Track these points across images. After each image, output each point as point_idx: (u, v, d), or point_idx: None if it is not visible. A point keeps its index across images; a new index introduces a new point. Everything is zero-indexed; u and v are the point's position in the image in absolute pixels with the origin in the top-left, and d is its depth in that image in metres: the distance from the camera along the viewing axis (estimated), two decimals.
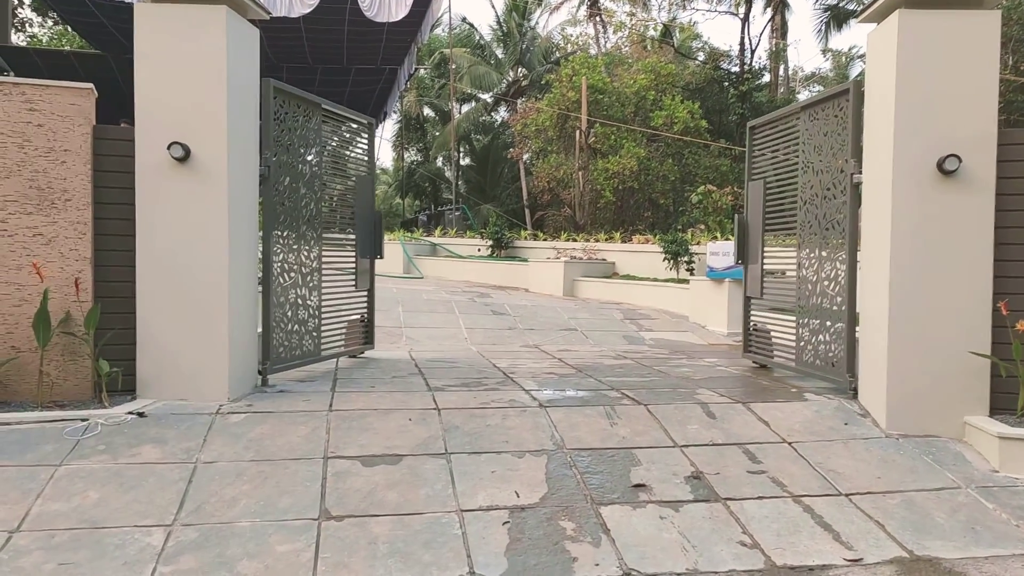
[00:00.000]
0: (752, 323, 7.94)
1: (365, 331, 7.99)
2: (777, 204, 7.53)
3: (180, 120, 5.55)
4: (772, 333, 7.57)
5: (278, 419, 5.30)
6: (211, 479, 4.45)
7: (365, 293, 7.94)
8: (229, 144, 5.61)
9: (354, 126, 7.99)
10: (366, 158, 8.08)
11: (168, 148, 5.47)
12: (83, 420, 5.00)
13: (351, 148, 8.16)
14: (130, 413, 5.16)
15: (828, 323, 6.50)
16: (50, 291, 5.34)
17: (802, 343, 6.88)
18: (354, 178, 7.82)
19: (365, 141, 8.09)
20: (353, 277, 7.69)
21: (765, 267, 7.67)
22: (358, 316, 7.87)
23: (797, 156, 7.03)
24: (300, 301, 6.71)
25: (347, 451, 4.86)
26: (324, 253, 7.15)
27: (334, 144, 7.72)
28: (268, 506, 4.19)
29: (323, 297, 7.10)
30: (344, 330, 7.56)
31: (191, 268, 5.58)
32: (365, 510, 4.20)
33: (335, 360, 7.47)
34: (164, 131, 5.52)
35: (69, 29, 22.34)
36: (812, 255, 6.73)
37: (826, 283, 6.52)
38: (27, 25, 28.34)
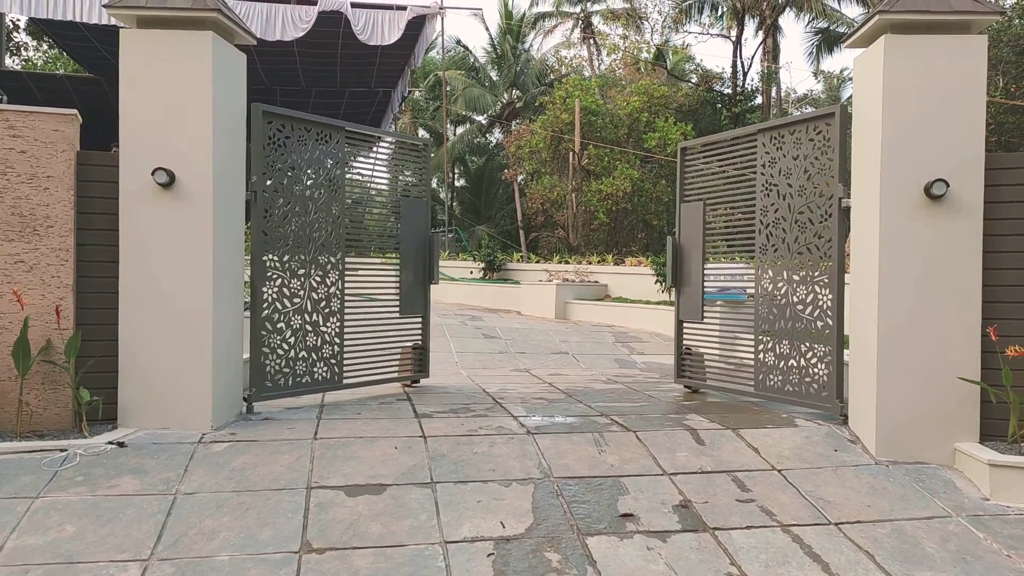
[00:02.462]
0: (685, 347, 7.79)
1: (419, 359, 7.71)
2: (722, 226, 7.46)
3: (165, 145, 5.52)
4: (706, 356, 7.49)
5: (261, 448, 5.24)
6: (191, 511, 4.37)
7: (418, 320, 7.69)
8: (215, 170, 5.58)
9: (397, 149, 7.83)
10: (416, 180, 7.87)
11: (152, 174, 5.44)
12: (62, 450, 4.93)
13: (391, 171, 7.86)
14: (110, 443, 5.09)
15: (804, 347, 6.42)
16: (31, 319, 5.28)
17: (765, 368, 6.76)
18: (398, 201, 7.58)
19: (414, 163, 7.87)
20: (396, 303, 7.47)
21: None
22: (410, 344, 7.63)
23: (753, 178, 6.91)
24: (310, 327, 6.55)
25: (331, 481, 4.79)
26: (360, 277, 7.06)
27: (359, 167, 7.32)
28: (248, 539, 4.12)
29: (348, 323, 6.90)
30: (382, 357, 7.32)
31: (175, 295, 5.53)
32: (347, 542, 4.13)
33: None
34: (149, 157, 5.50)
35: (64, 53, 22.41)
36: (779, 278, 6.63)
37: (800, 307, 6.44)
38: (22, 49, 28.42)
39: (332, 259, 6.74)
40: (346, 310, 6.91)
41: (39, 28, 20.99)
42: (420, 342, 7.72)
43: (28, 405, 5.34)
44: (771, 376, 6.70)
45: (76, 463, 4.82)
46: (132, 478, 4.70)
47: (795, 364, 6.49)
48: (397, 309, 7.46)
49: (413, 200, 7.68)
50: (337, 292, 6.78)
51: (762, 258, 6.79)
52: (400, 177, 7.91)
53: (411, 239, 7.57)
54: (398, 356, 7.53)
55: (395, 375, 7.49)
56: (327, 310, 6.70)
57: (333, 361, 6.78)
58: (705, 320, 7.52)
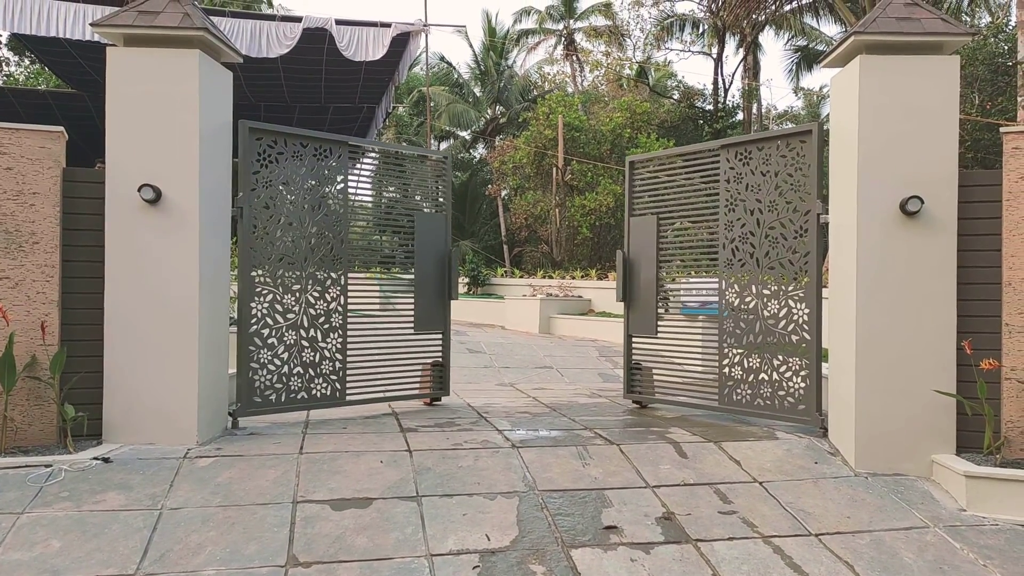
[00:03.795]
0: (634, 362, 7.68)
1: (438, 377, 7.52)
2: (678, 240, 7.44)
3: (151, 162, 5.55)
4: (664, 371, 7.40)
5: (247, 463, 5.25)
6: (176, 526, 4.38)
7: (438, 336, 7.54)
8: (201, 186, 5.62)
9: (410, 162, 7.70)
10: (433, 193, 7.72)
11: (139, 190, 5.47)
12: (47, 466, 4.93)
13: (402, 185, 7.68)
14: (95, 459, 5.09)
15: (776, 361, 6.43)
16: (16, 335, 5.28)
17: (732, 381, 6.74)
18: (412, 216, 7.42)
19: (432, 176, 7.71)
20: (411, 319, 7.32)
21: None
22: (430, 361, 7.47)
23: (715, 193, 6.90)
24: (306, 343, 6.48)
25: (316, 495, 4.82)
26: (369, 293, 6.99)
27: (366, 182, 7.14)
28: (234, 553, 4.14)
29: (353, 340, 6.84)
30: (394, 374, 7.19)
31: (160, 311, 5.55)
32: (334, 556, 4.15)
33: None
34: (135, 173, 5.53)
35: (46, 68, 22.36)
36: (747, 293, 6.63)
37: (771, 321, 6.47)
38: (4, 64, 28.32)
39: (333, 274, 6.66)
40: (352, 326, 6.82)
41: (21, 43, 20.94)
42: (440, 359, 7.54)
43: (13, 421, 5.33)
44: (739, 390, 6.69)
45: (61, 479, 4.82)
46: (118, 493, 4.70)
47: (767, 378, 6.50)
48: (411, 326, 7.31)
49: (430, 214, 7.53)
50: (339, 308, 6.69)
51: (727, 273, 6.80)
52: (415, 191, 7.69)
53: (428, 254, 7.42)
54: (412, 373, 7.35)
55: (411, 393, 7.34)
56: (326, 326, 6.62)
57: (334, 377, 6.69)
58: (659, 335, 7.44)
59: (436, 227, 7.53)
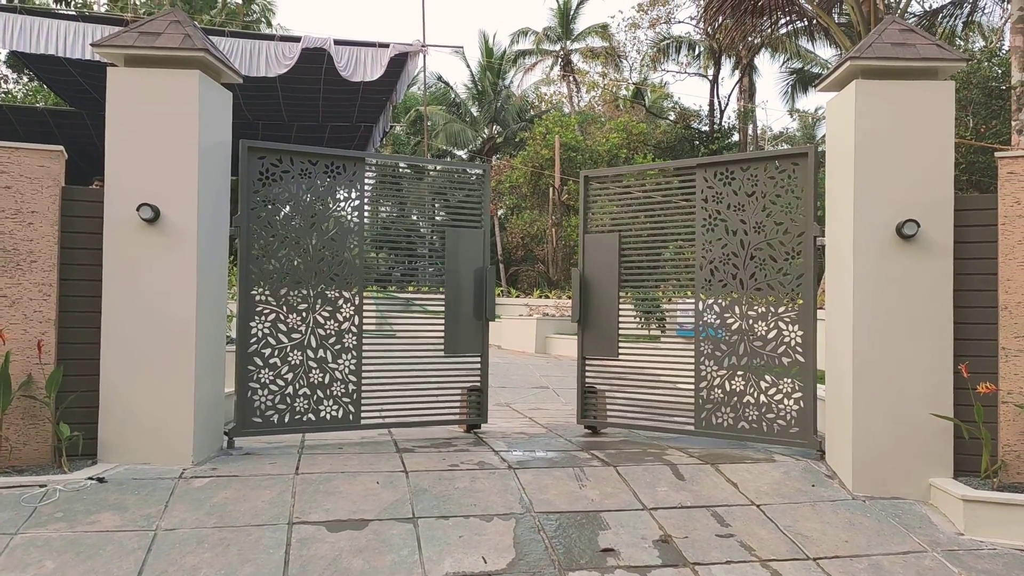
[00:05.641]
0: (588, 385, 7.33)
1: (475, 402, 7.13)
2: (641, 260, 7.24)
3: (150, 182, 5.56)
4: (631, 394, 7.15)
5: (242, 483, 5.22)
6: (171, 547, 4.36)
7: (474, 360, 7.14)
8: (200, 205, 5.63)
9: (439, 177, 7.48)
10: (468, 208, 7.28)
11: (138, 209, 5.48)
12: (41, 486, 4.90)
13: (430, 201, 7.40)
14: (90, 478, 5.06)
15: (764, 383, 6.35)
16: (12, 353, 5.27)
17: (710, 405, 6.60)
18: (442, 233, 7.11)
19: (466, 189, 7.35)
20: (440, 341, 7.01)
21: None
22: (467, 386, 7.09)
23: (690, 211, 6.78)
24: (314, 364, 6.35)
25: (312, 516, 4.79)
26: (391, 313, 6.86)
27: (386, 199, 7.00)
28: (229, 575, 4.11)
29: (371, 361, 6.63)
30: (421, 399, 6.90)
31: (157, 330, 5.54)
32: None
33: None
34: (134, 192, 5.53)
35: (44, 86, 22.43)
36: (728, 315, 6.54)
37: (758, 344, 6.40)
38: (2, 82, 28.40)
39: (346, 293, 6.50)
40: (371, 348, 6.63)
41: (20, 61, 21.01)
42: (478, 384, 7.15)
43: (8, 440, 5.31)
44: (719, 413, 6.55)
45: (56, 499, 4.79)
46: (112, 514, 4.68)
47: (753, 400, 6.40)
48: (442, 348, 6.99)
49: (464, 230, 7.14)
50: (353, 328, 6.52)
51: (705, 293, 6.70)
52: (447, 205, 7.41)
53: (461, 272, 7.07)
54: (441, 398, 7.04)
55: (442, 418, 7.03)
56: (338, 346, 6.46)
57: (347, 400, 6.50)
58: (621, 357, 7.21)
59: (472, 243, 7.13)
